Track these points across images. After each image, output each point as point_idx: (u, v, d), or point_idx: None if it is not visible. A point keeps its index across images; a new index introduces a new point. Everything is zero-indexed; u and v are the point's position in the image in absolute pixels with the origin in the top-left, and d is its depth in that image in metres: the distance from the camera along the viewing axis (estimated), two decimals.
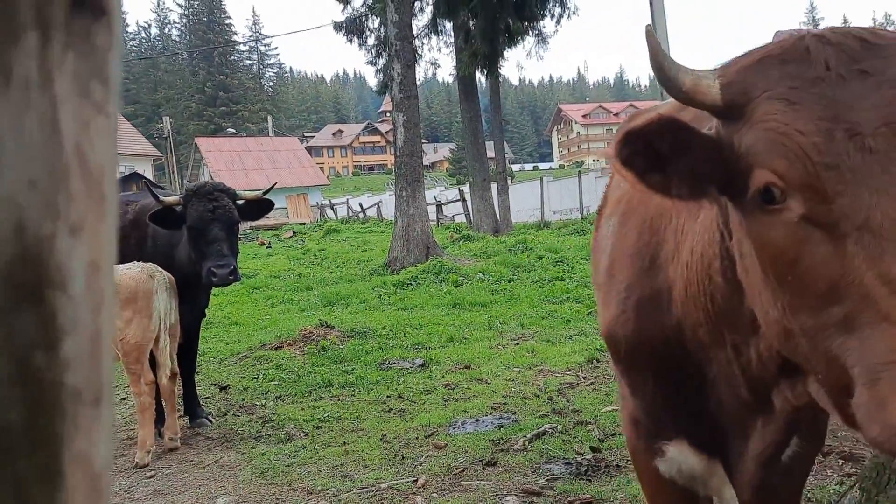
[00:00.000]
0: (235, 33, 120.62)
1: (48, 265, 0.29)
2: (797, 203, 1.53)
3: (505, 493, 4.44)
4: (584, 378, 6.93)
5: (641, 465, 2.47)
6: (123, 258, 6.22)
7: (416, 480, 4.73)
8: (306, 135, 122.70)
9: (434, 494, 4.52)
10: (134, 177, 34.95)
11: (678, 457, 2.28)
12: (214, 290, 7.01)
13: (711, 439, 2.18)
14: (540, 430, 5.44)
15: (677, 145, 1.75)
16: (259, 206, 6.67)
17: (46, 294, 0.29)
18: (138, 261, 5.91)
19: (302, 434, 5.94)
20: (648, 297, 2.19)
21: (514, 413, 6.01)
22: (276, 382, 7.60)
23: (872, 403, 1.37)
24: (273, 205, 6.88)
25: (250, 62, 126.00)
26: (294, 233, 31.34)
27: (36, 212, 0.29)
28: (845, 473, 4.17)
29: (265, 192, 6.87)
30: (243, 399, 7.12)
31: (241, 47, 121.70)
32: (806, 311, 1.55)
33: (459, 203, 29.74)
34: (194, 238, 5.97)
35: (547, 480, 4.56)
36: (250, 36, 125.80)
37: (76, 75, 0.31)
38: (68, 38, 0.31)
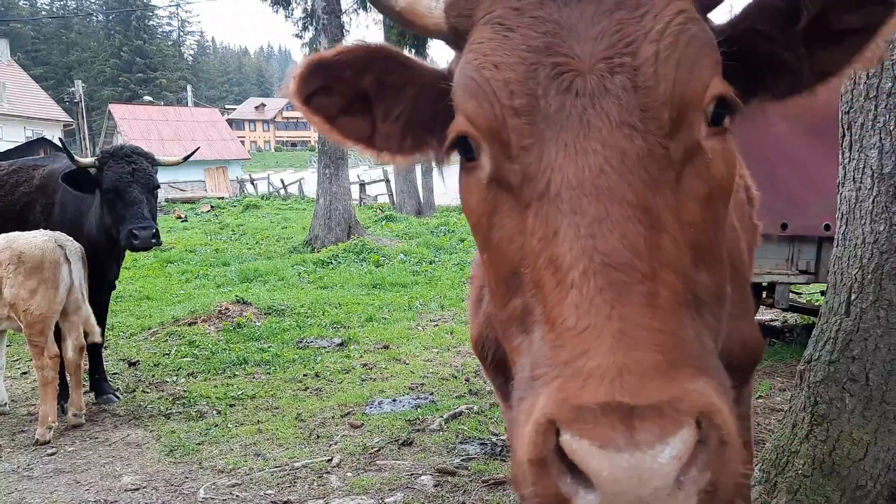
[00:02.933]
0: None
1: None
2: (486, 159, 1.29)
3: (420, 472, 4.45)
4: None
5: None
6: (29, 225, 5.91)
7: (331, 459, 4.69)
8: (227, 107, 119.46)
9: (349, 473, 4.50)
10: (41, 141, 33.29)
11: None
12: (125, 263, 6.74)
13: None
14: (456, 410, 5.48)
15: (388, 82, 1.48)
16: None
17: None
18: (45, 229, 5.63)
19: (214, 412, 5.81)
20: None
21: (431, 394, 6.03)
22: (189, 359, 7.41)
23: (513, 438, 1.17)
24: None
25: (170, 28, 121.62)
26: (212, 207, 30.60)
27: None
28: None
29: (186, 158, 6.65)
30: (153, 375, 6.90)
31: (161, 12, 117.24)
32: (498, 300, 1.33)
33: (383, 183, 29.59)
34: (110, 201, 5.69)
35: (462, 460, 4.60)
36: (171, 1, 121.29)
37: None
38: None
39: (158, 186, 6.05)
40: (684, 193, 1.22)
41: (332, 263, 13.49)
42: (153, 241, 5.69)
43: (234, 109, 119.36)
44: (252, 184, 45.70)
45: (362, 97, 1.49)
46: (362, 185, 31.79)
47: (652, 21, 1.23)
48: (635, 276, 1.12)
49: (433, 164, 1.62)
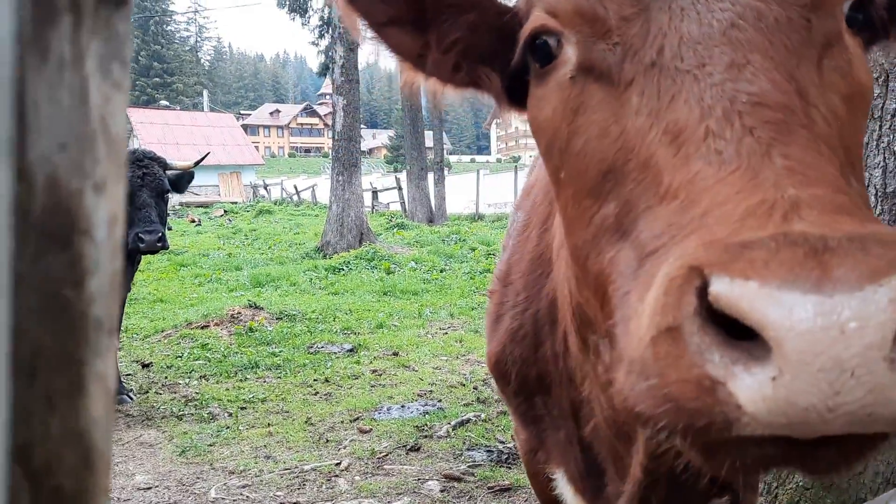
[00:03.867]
0: (173, 2, 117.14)
1: (77, 215, 0.33)
2: (573, 47, 1.11)
3: (427, 477, 4.52)
4: None
5: (538, 490, 2.18)
6: None
7: (340, 463, 4.77)
8: (242, 112, 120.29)
9: (357, 477, 4.57)
10: None
11: (562, 486, 1.91)
12: (140, 266, 6.86)
13: (585, 472, 1.76)
14: (464, 417, 5.55)
15: (449, 1, 1.31)
16: (179, 178, 6.51)
17: (75, 239, 0.33)
18: None
19: (226, 414, 5.90)
20: (546, 308, 1.73)
21: (440, 401, 6.10)
22: (202, 362, 7.50)
23: (622, 342, 0.88)
24: (193, 176, 6.64)
25: (188, 34, 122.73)
26: (225, 211, 30.82)
27: (66, 170, 0.33)
28: None
29: (197, 163, 6.76)
30: (166, 377, 7.00)
31: (179, 18, 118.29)
32: (577, 222, 1.09)
33: (395, 191, 29.72)
34: None
35: (468, 467, 4.66)
36: (189, 7, 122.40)
37: (101, 57, 0.36)
38: (95, 25, 0.35)
39: (169, 191, 6.16)
40: (828, 84, 1.02)
41: (343, 270, 13.59)
42: (158, 244, 5.80)
43: (250, 115, 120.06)
44: (265, 189, 46.00)
45: (418, 12, 1.32)
46: (375, 193, 31.95)
47: None
48: (798, 118, 0.90)
49: (495, 105, 1.41)
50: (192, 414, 5.92)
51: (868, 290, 0.66)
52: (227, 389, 6.57)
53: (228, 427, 5.57)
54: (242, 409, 6.04)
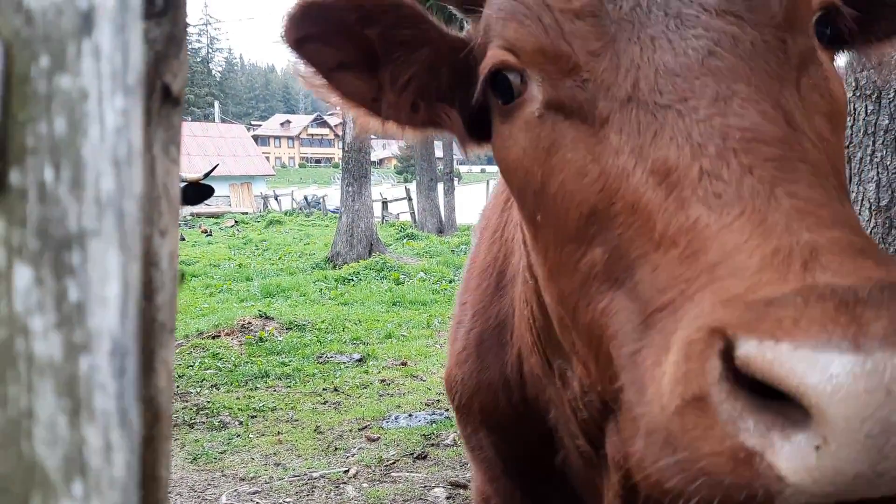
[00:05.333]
0: (185, 14, 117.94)
1: (148, 252, 0.43)
2: (538, 85, 1.04)
3: (433, 484, 4.61)
4: None
5: None
6: None
7: (348, 471, 4.86)
8: (253, 123, 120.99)
9: (364, 484, 4.66)
10: None
11: None
12: None
13: None
14: None
15: (399, 38, 1.22)
16: (198, 191, 6.64)
17: (149, 268, 0.44)
18: None
19: (236, 422, 6.01)
20: (493, 328, 1.62)
21: (447, 410, 6.18)
22: (212, 371, 7.62)
23: (632, 402, 0.82)
24: (213, 191, 6.84)
25: (199, 45, 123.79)
26: (236, 222, 31.02)
27: (143, 221, 0.44)
28: None
29: (206, 175, 6.90)
30: (178, 386, 7.12)
31: (191, 30, 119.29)
32: (565, 268, 1.01)
33: (405, 201, 29.88)
34: None
35: None
36: (200, 19, 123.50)
37: (163, 142, 0.47)
38: (160, 120, 0.46)
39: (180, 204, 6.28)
40: (810, 105, 0.99)
41: (353, 280, 13.70)
42: None
43: (260, 125, 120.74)
44: (276, 199, 46.28)
45: (368, 53, 1.25)
46: (385, 203, 32.10)
47: None
48: (795, 151, 0.85)
49: (456, 144, 1.37)
50: (204, 422, 6.03)
51: None
52: (238, 398, 6.68)
53: (239, 435, 5.67)
54: (253, 417, 6.14)
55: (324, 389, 6.91)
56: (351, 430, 5.72)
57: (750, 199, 0.77)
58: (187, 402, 6.61)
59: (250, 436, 5.66)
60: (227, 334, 8.92)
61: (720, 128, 0.84)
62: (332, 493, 4.54)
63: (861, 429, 0.61)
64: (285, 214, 36.34)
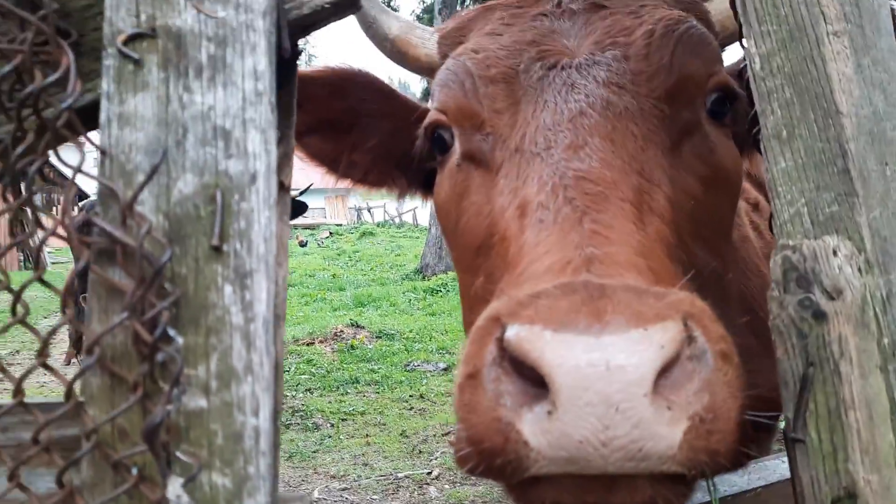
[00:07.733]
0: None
1: (276, 277, 0.71)
2: (457, 139, 1.24)
3: None
4: None
5: None
6: None
7: (431, 472, 5.11)
8: None
9: (446, 486, 4.90)
10: None
11: None
12: None
13: None
14: None
15: (364, 111, 1.42)
16: (293, 208, 6.95)
17: (275, 285, 0.72)
18: None
19: (328, 425, 6.36)
20: None
21: None
22: (307, 376, 8.02)
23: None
24: (307, 207, 7.11)
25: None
26: (330, 233, 31.79)
27: (274, 263, 0.71)
28: None
29: (301, 193, 7.20)
30: None
31: None
32: (465, 295, 1.21)
33: None
34: None
35: None
36: None
37: (279, 214, 0.74)
38: (279, 201, 0.72)
39: None
40: (684, 165, 1.14)
41: (441, 291, 13.92)
42: None
43: None
44: (369, 211, 47.25)
45: (334, 120, 1.43)
46: None
47: (650, 14, 1.21)
48: (619, 192, 0.98)
49: (397, 197, 1.58)
50: (298, 423, 6.41)
51: (633, 333, 0.73)
52: (330, 402, 7.04)
53: (330, 436, 6.02)
54: (343, 420, 6.49)
55: (410, 396, 7.20)
56: (435, 435, 5.97)
57: (560, 223, 0.93)
58: (283, 404, 7.00)
59: (341, 437, 6.00)
60: (321, 342, 9.33)
61: (563, 170, 1.00)
62: (416, 493, 4.81)
63: (582, 396, 0.71)
64: (377, 226, 37.02)
